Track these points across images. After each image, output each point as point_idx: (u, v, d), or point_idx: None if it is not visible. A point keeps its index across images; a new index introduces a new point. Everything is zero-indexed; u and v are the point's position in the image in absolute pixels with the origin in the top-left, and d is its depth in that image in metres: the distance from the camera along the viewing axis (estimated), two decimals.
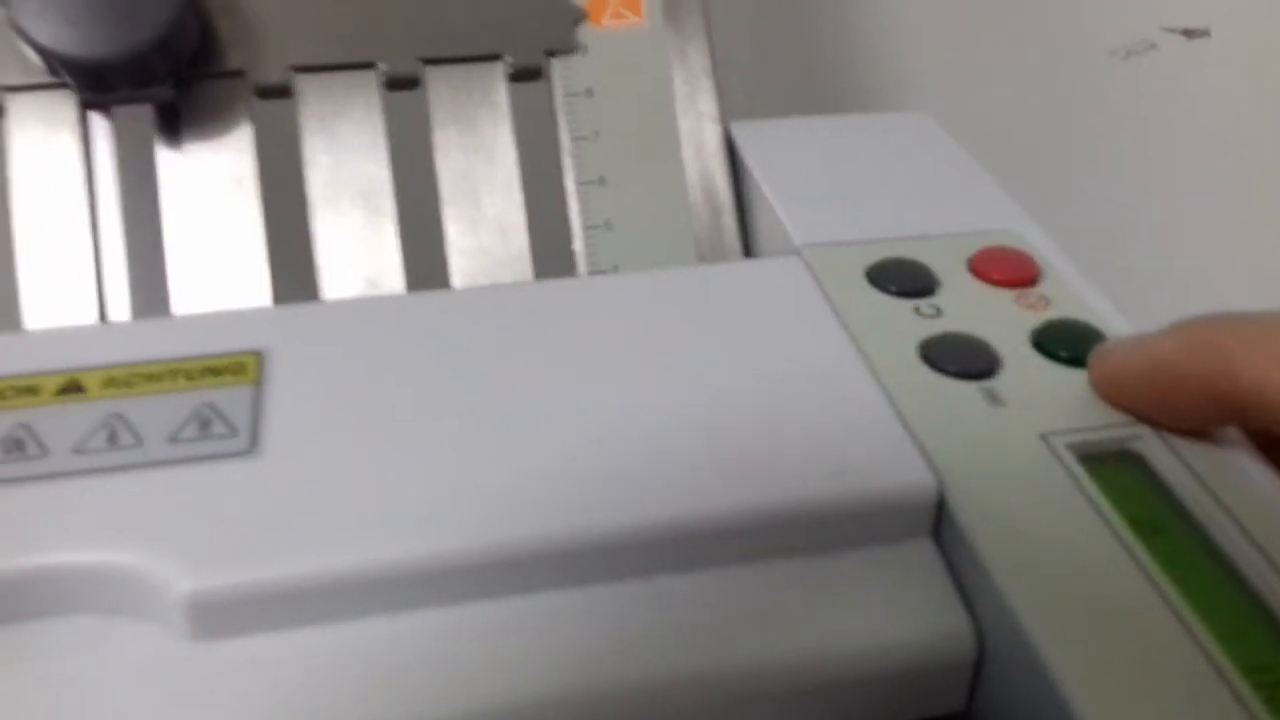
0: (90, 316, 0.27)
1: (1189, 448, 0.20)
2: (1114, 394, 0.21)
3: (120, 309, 0.27)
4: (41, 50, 0.26)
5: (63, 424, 0.20)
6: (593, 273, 0.29)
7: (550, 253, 0.29)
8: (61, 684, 0.18)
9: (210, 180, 0.28)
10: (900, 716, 0.19)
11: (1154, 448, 0.20)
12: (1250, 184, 0.46)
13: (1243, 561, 0.18)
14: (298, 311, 0.24)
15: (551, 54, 0.30)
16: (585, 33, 0.30)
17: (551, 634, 0.19)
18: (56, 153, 0.28)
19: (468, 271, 0.29)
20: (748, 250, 0.30)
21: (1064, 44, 0.45)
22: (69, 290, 0.27)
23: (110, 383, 0.21)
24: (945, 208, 0.27)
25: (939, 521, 0.20)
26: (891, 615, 0.19)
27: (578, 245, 0.29)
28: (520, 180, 0.29)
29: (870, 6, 0.45)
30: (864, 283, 0.25)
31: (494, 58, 0.29)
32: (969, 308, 0.24)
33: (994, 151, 0.31)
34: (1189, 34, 0.43)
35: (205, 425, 0.20)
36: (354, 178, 0.28)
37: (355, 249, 0.28)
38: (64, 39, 0.25)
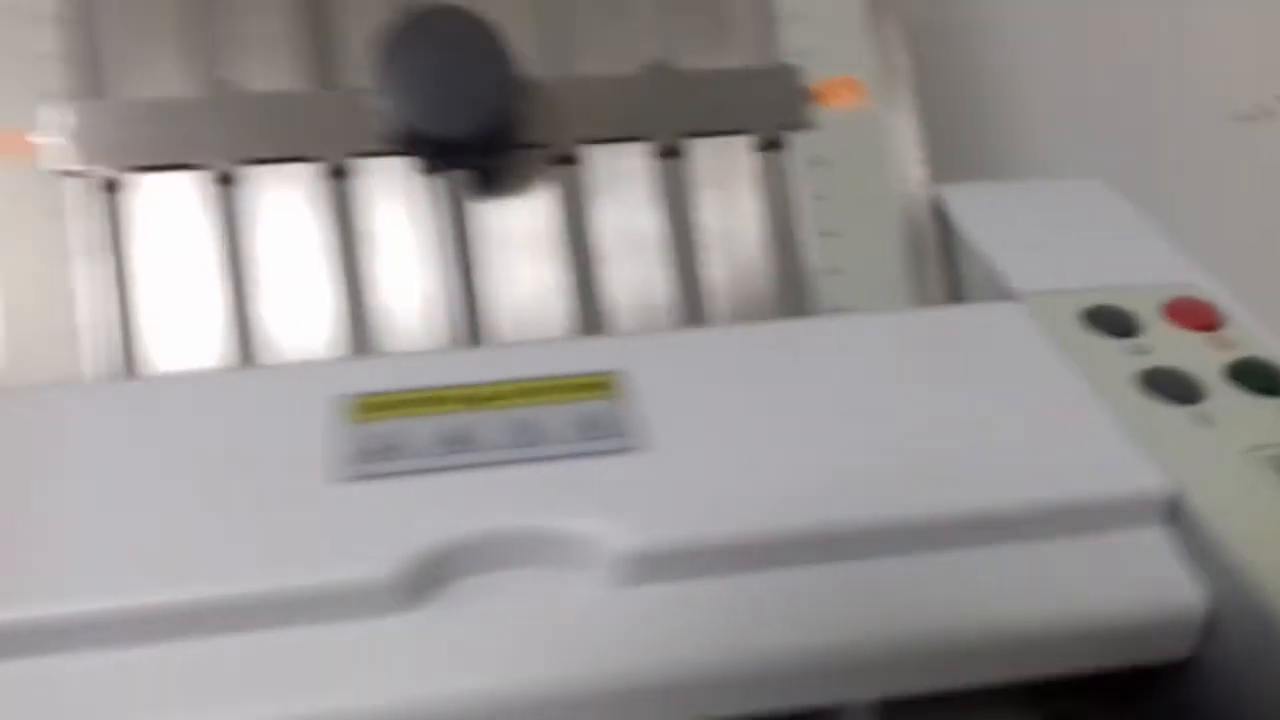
0: (429, 335, 0.33)
1: None
2: None
3: (439, 332, 0.33)
4: (405, 128, 0.32)
5: (478, 425, 0.26)
6: (826, 311, 0.35)
7: (790, 293, 0.35)
8: (530, 618, 0.23)
9: (515, 232, 0.34)
10: (1135, 660, 0.25)
11: None
12: None
13: None
14: (632, 341, 0.30)
15: (788, 128, 0.36)
16: (818, 112, 0.36)
17: (869, 593, 0.24)
18: (395, 207, 0.34)
19: (724, 311, 0.34)
20: (952, 296, 0.36)
21: (1186, 108, 0.51)
22: (407, 314, 0.33)
23: (503, 395, 0.27)
24: (1134, 261, 0.33)
25: (1171, 511, 0.25)
26: (1136, 580, 0.25)
27: (811, 287, 0.35)
28: (767, 233, 0.35)
29: (1003, 79, 0.51)
30: (1078, 325, 0.30)
31: (742, 132, 0.35)
32: (1170, 347, 0.29)
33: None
34: None
35: (592, 427, 0.26)
36: (630, 231, 0.34)
37: (632, 290, 0.34)
38: (427, 121, 0.31)
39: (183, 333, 0.32)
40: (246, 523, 0.24)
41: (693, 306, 0.34)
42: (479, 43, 0.31)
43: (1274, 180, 0.50)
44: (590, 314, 0.34)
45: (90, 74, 0.33)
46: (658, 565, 0.24)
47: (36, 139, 0.32)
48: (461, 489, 0.25)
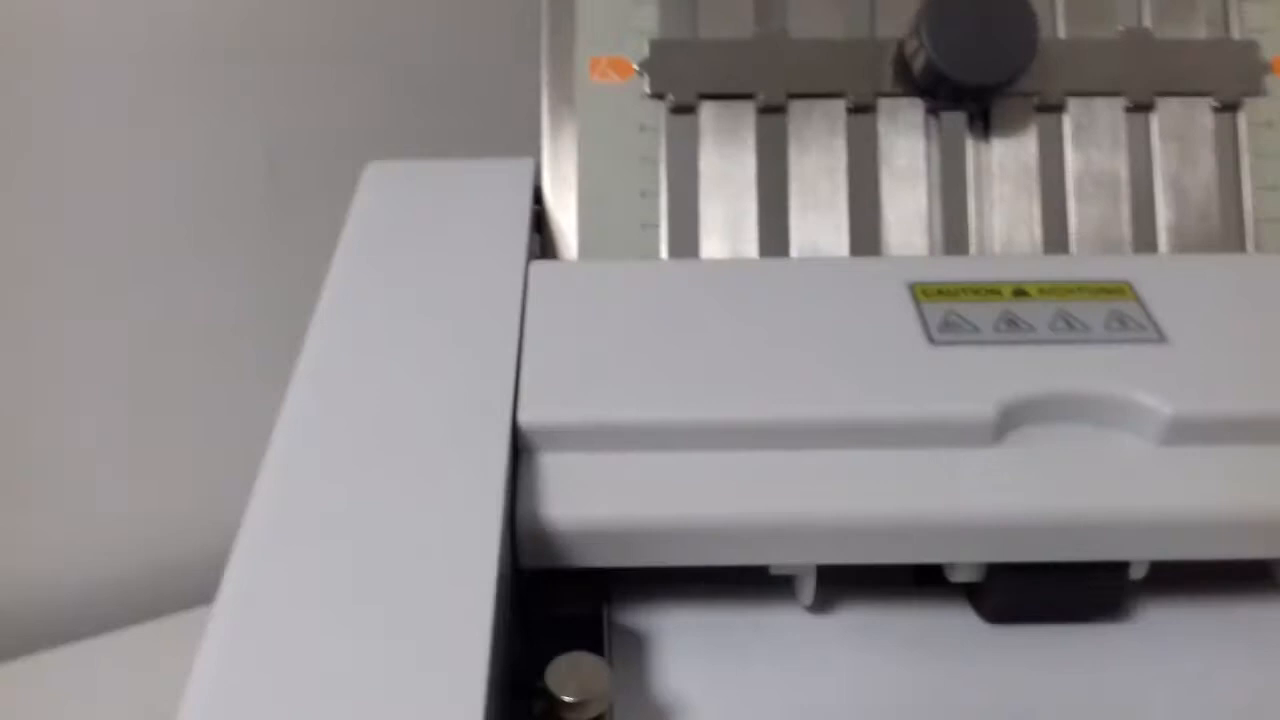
0: (925, 249, 0.40)
1: None
2: None
3: (933, 247, 0.40)
4: (933, 74, 0.39)
5: (1028, 312, 0.33)
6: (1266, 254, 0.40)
7: (1232, 238, 0.41)
8: (1083, 461, 0.30)
9: (1002, 167, 0.41)
10: None
11: None
12: None
13: None
14: (1130, 259, 0.37)
15: (1245, 95, 0.41)
16: (1270, 81, 0.41)
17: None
18: (905, 139, 0.41)
19: (1173, 247, 0.41)
20: None
21: None
22: (907, 229, 0.40)
23: (1044, 291, 0.34)
24: None
25: None
26: None
27: (1250, 232, 0.41)
28: (1215, 184, 0.41)
29: None
30: None
31: (1204, 95, 0.41)
32: None
33: None
34: None
35: (1124, 322, 0.33)
36: (1100, 173, 0.41)
37: (1096, 223, 0.41)
38: (958, 69, 0.39)
39: (728, 229, 0.41)
40: (863, 367, 0.32)
41: (1146, 242, 0.41)
42: (1011, 7, 0.38)
43: None
44: (1057, 242, 0.41)
45: (680, 18, 0.41)
46: (1190, 430, 0.31)
47: (635, 66, 0.41)
48: (1027, 359, 0.32)
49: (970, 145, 0.41)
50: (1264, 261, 0.38)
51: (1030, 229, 0.41)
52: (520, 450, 0.30)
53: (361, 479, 0.28)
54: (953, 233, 0.41)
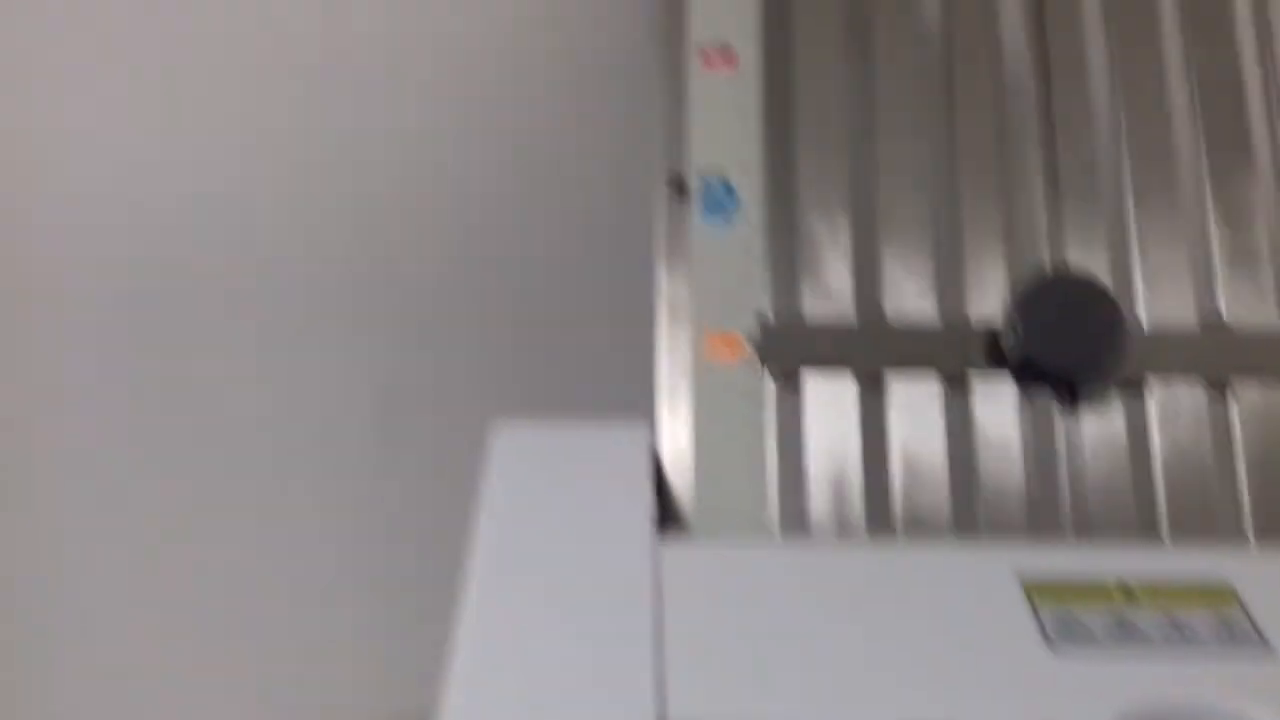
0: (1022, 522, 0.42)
1: None
2: None
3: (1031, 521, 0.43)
4: (1023, 357, 0.42)
5: (1139, 617, 0.35)
6: None
7: None
8: None
9: (1089, 443, 0.43)
10: None
11: None
12: None
13: None
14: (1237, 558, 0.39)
15: None
16: None
17: None
18: (997, 414, 0.44)
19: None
20: None
21: None
22: (1006, 500, 0.43)
23: (1151, 594, 0.36)
24: None
25: None
26: None
27: None
28: None
29: None
30: None
31: None
32: None
33: None
34: None
35: (1232, 632, 0.35)
36: (1184, 453, 0.43)
37: (1183, 496, 0.43)
38: (1050, 356, 0.41)
39: (836, 499, 0.43)
40: (986, 675, 0.34)
41: (1241, 521, 0.43)
42: (1103, 305, 0.41)
43: None
44: (1147, 518, 0.43)
45: (778, 299, 0.44)
46: None
47: (740, 344, 0.44)
48: (1143, 671, 0.34)
49: (1059, 422, 0.44)
50: None
51: (1124, 508, 0.43)
52: None
53: None
54: (1046, 507, 0.43)
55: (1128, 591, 0.37)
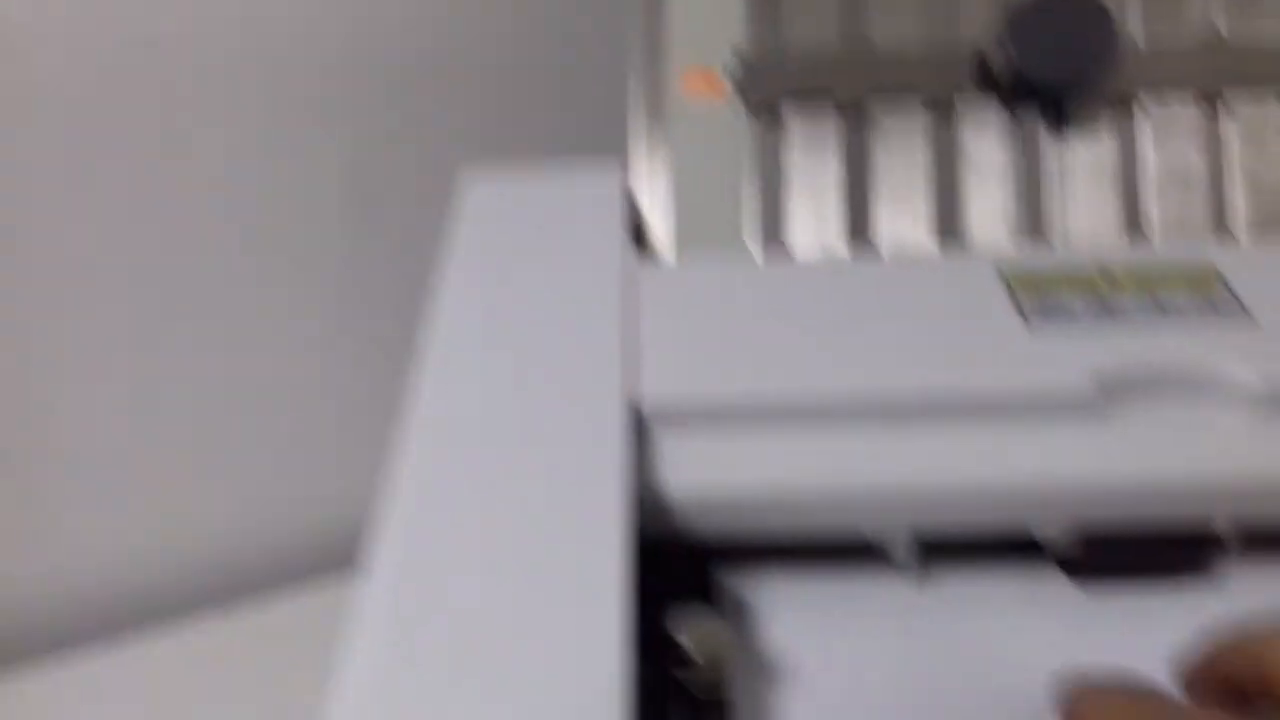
0: (1003, 240, 0.42)
1: None
2: None
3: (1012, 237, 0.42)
4: (1014, 75, 0.41)
5: (1121, 298, 0.35)
6: None
7: None
8: (1169, 433, 0.32)
9: (1079, 163, 0.42)
10: None
11: None
12: None
13: None
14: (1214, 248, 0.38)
15: None
16: None
17: None
18: (984, 135, 0.43)
19: (1246, 236, 0.42)
20: None
21: None
22: (986, 221, 0.42)
23: (1135, 278, 0.36)
24: None
25: None
26: None
27: None
28: None
29: None
30: None
31: (1272, 91, 0.43)
32: None
33: None
34: None
35: (1213, 305, 0.35)
36: (1174, 168, 0.42)
37: (1172, 213, 0.42)
38: (1043, 71, 0.40)
39: (816, 227, 0.42)
40: (967, 348, 0.34)
41: (1220, 229, 0.42)
42: (1096, 18, 0.40)
43: None
44: (1133, 231, 0.42)
45: (767, 30, 0.43)
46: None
47: (719, 77, 0.43)
48: (1123, 339, 0.34)
49: (1048, 142, 0.43)
50: None
51: (1111, 223, 0.42)
52: (643, 429, 0.32)
53: (495, 466, 0.30)
54: (1034, 228, 0.42)
55: (1110, 278, 0.36)
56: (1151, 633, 0.32)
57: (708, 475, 0.31)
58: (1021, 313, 0.35)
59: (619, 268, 0.37)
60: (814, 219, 0.42)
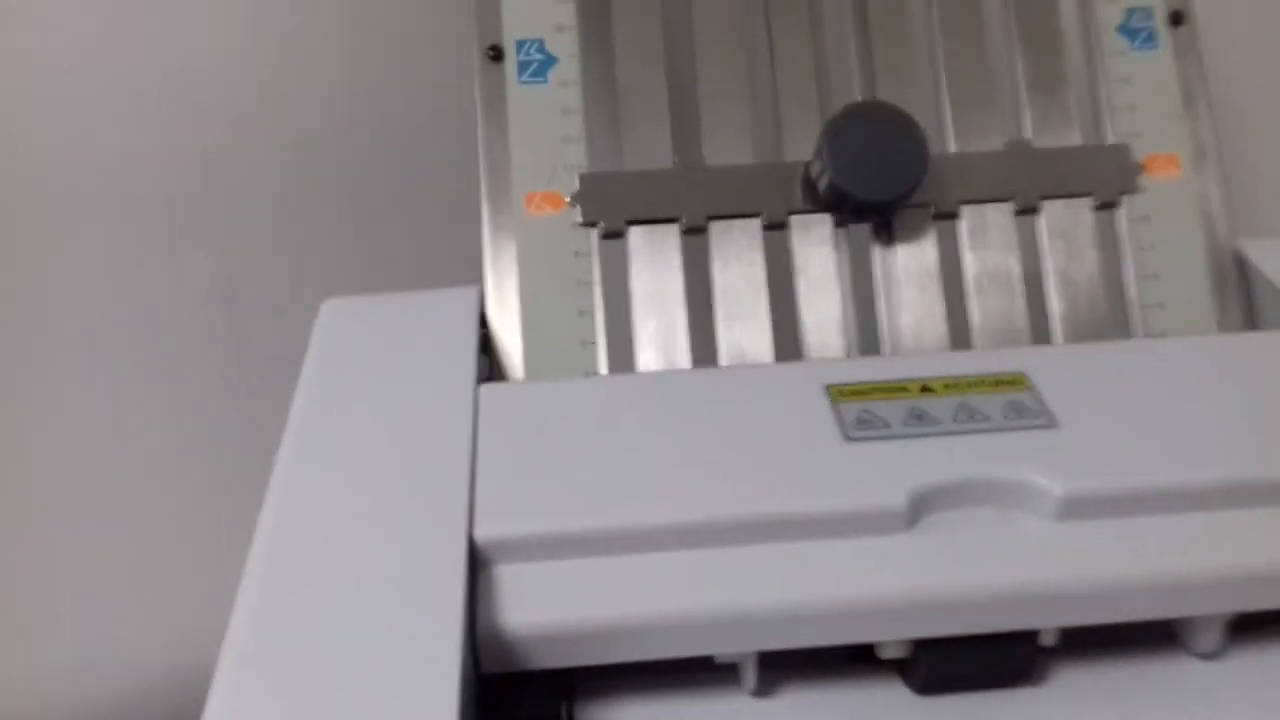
0: (839, 349, 0.44)
1: None
2: None
3: (846, 346, 0.44)
4: (842, 193, 0.43)
5: (934, 407, 0.37)
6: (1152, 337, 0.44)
7: (1118, 323, 0.45)
8: (978, 543, 0.34)
9: (906, 271, 0.45)
10: None
11: None
12: None
13: None
14: (1021, 351, 0.40)
15: (1121, 193, 0.46)
16: (1144, 180, 0.46)
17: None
18: (816, 251, 0.45)
19: (1065, 335, 0.44)
20: (1249, 326, 0.45)
21: None
22: (823, 331, 0.44)
23: (947, 386, 0.38)
24: None
25: None
26: None
27: (1135, 317, 0.45)
28: (1101, 275, 0.45)
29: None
30: None
31: (1084, 196, 0.45)
32: None
33: None
34: None
35: (1020, 410, 0.36)
36: (995, 272, 0.45)
37: (994, 317, 0.44)
38: (859, 187, 0.43)
39: (660, 343, 0.44)
40: (786, 466, 0.35)
41: (1039, 330, 0.44)
42: (902, 129, 0.42)
43: None
44: (960, 335, 0.44)
45: (603, 151, 0.45)
46: (1083, 506, 0.34)
47: (561, 200, 0.45)
48: (933, 450, 0.35)
49: (876, 253, 0.45)
50: (1146, 346, 0.41)
51: (936, 326, 0.44)
52: (478, 563, 0.33)
53: (332, 600, 0.31)
54: (866, 334, 0.44)
55: (926, 387, 0.38)
56: None
57: (541, 610, 0.32)
58: (842, 426, 0.36)
59: (468, 392, 0.38)
60: (659, 335, 0.44)
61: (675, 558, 0.33)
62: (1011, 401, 0.37)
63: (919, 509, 0.34)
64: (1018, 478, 0.34)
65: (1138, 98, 0.47)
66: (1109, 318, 0.45)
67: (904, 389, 0.38)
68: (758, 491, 0.34)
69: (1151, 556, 0.33)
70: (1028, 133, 0.46)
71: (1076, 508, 0.34)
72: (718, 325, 0.44)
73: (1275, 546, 0.34)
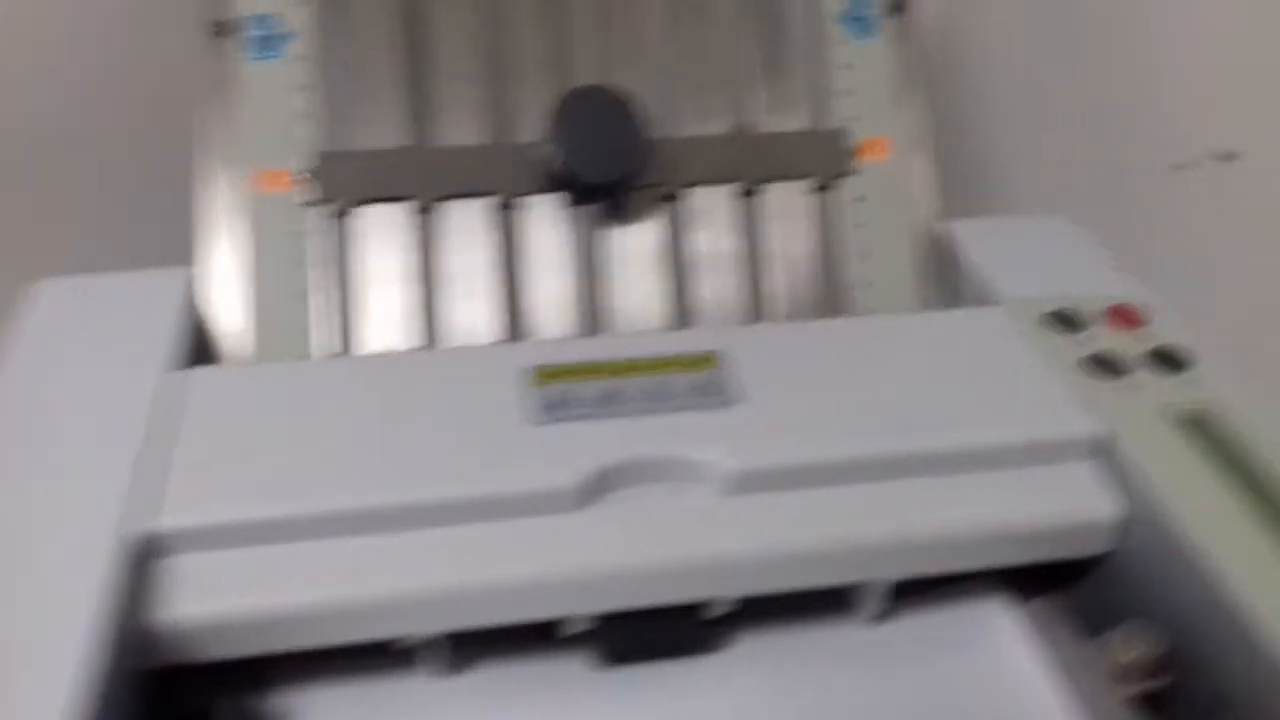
0: (564, 327, 0.45)
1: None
2: None
3: (571, 324, 0.45)
4: (569, 175, 0.44)
5: (627, 387, 0.38)
6: (860, 314, 0.47)
7: (833, 300, 0.47)
8: (649, 520, 0.35)
9: (631, 251, 0.46)
10: (1076, 552, 0.37)
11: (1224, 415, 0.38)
12: None
13: None
14: (723, 331, 0.42)
15: (837, 176, 0.48)
16: (859, 164, 0.48)
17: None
18: (546, 231, 0.46)
19: (782, 312, 0.47)
20: (951, 303, 0.48)
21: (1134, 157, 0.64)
22: (549, 310, 0.45)
23: (645, 367, 0.39)
24: (1086, 277, 0.45)
25: (1100, 448, 0.37)
26: (1076, 495, 0.37)
27: (850, 296, 0.47)
28: (817, 254, 0.47)
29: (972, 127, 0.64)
30: (1040, 323, 0.42)
31: (802, 178, 0.48)
32: (1107, 339, 0.41)
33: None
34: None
35: (704, 390, 0.38)
36: (715, 252, 0.47)
37: (714, 295, 0.46)
38: (585, 168, 0.44)
39: (387, 323, 0.45)
40: (473, 450, 0.36)
41: (758, 308, 0.47)
42: (622, 112, 0.44)
43: (1198, 217, 0.64)
44: (682, 312, 0.46)
45: (331, 130, 0.45)
46: (750, 481, 0.36)
47: (292, 178, 0.45)
48: (616, 431, 0.37)
49: (604, 234, 0.46)
50: (841, 325, 0.44)
51: (658, 306, 0.46)
52: (151, 553, 0.33)
53: None
54: (590, 315, 0.46)
55: (623, 368, 0.39)
56: (670, 702, 0.35)
57: (209, 599, 0.33)
58: (536, 409, 0.38)
59: (149, 379, 0.38)
60: (386, 314, 0.45)
61: (357, 543, 0.34)
62: (697, 380, 0.39)
63: (597, 488, 0.36)
64: (688, 455, 0.36)
65: (857, 83, 0.49)
66: (826, 297, 0.47)
67: (602, 370, 0.39)
68: (440, 475, 0.35)
69: (817, 526, 0.36)
70: (755, 117, 0.48)
71: (745, 482, 0.36)
72: (447, 304, 0.45)
73: (937, 514, 0.36)
